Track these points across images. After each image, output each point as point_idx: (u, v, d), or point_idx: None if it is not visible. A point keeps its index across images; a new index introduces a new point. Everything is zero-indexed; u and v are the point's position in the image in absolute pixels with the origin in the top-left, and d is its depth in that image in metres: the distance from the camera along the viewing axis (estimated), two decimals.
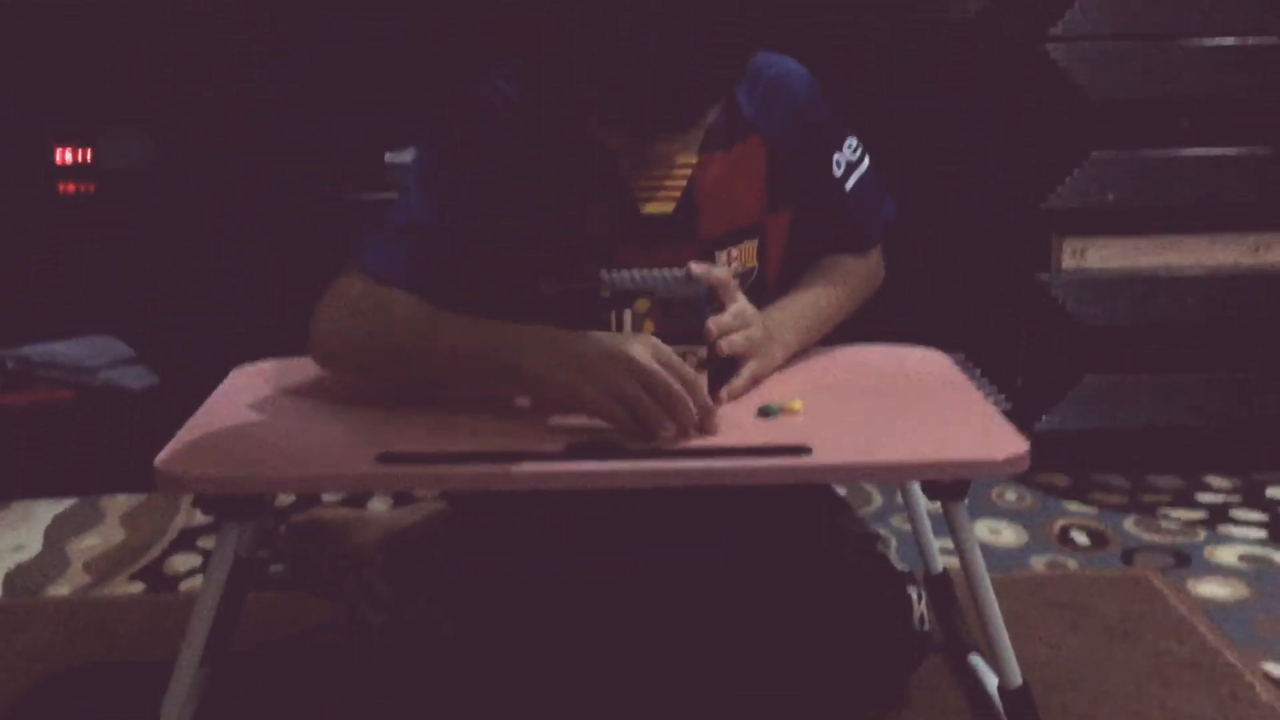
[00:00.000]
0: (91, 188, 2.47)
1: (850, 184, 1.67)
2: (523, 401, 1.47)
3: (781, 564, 1.61)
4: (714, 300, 1.48)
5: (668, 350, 1.38)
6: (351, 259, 1.55)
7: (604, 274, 1.46)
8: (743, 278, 1.60)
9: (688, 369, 1.39)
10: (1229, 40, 2.41)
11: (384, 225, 1.56)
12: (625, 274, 1.47)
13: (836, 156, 1.66)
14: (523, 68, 1.56)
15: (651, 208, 1.57)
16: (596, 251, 1.55)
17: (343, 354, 1.53)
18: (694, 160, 1.56)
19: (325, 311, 1.53)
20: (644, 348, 1.37)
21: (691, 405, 1.37)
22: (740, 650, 1.58)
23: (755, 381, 1.53)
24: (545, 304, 1.48)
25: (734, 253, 1.60)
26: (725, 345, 1.48)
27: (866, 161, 1.69)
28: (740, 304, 1.51)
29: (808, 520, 1.67)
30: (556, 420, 1.43)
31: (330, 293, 1.54)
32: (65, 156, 2.45)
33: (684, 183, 1.57)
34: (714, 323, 1.47)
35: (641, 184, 1.57)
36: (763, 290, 1.63)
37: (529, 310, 1.46)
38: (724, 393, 1.49)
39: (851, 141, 1.68)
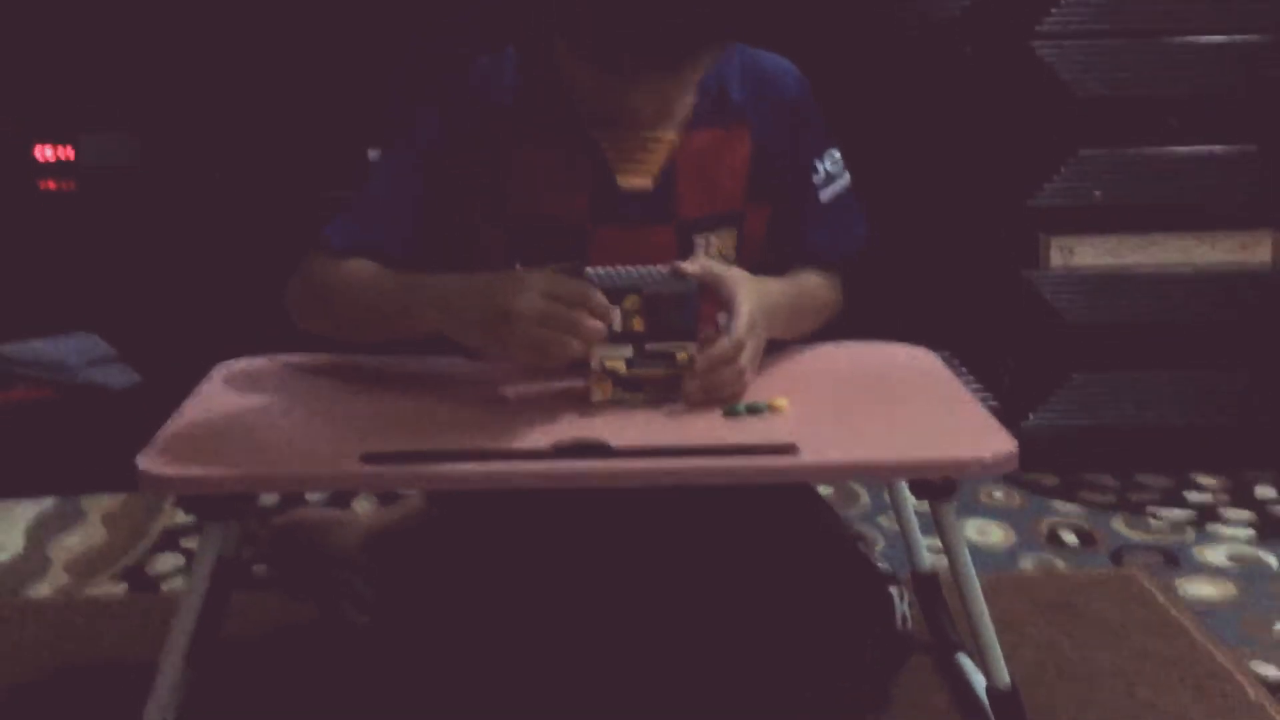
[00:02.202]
0: (73, 185, 2.45)
1: (826, 195, 1.66)
2: (510, 391, 1.47)
3: (762, 564, 1.60)
4: (706, 295, 1.47)
5: (550, 283, 1.39)
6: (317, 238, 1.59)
7: (591, 271, 1.45)
8: None
9: (573, 287, 1.39)
10: (1216, 38, 2.41)
11: (347, 201, 1.60)
12: (613, 270, 1.46)
13: (818, 164, 1.65)
14: (516, 44, 1.56)
15: (630, 181, 1.55)
16: (575, 231, 1.55)
17: (305, 319, 1.59)
18: (672, 135, 1.55)
19: (291, 283, 1.59)
20: (528, 295, 1.38)
21: (590, 320, 1.39)
22: (721, 650, 1.57)
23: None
24: None
25: (712, 239, 1.59)
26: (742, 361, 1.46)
27: (846, 177, 1.68)
28: (749, 313, 1.47)
29: (789, 520, 1.66)
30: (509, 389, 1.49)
31: (295, 272, 1.59)
32: (46, 154, 2.43)
33: (661, 156, 1.55)
34: (729, 341, 1.45)
35: (617, 154, 1.55)
36: None
37: None
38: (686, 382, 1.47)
39: (834, 153, 1.67)
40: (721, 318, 1.49)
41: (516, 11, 1.51)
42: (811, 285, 1.65)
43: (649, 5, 1.35)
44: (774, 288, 1.56)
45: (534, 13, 1.46)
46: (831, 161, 1.66)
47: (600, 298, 1.40)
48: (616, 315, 1.44)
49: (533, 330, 1.37)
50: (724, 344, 1.45)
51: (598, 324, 1.39)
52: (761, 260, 1.64)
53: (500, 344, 1.40)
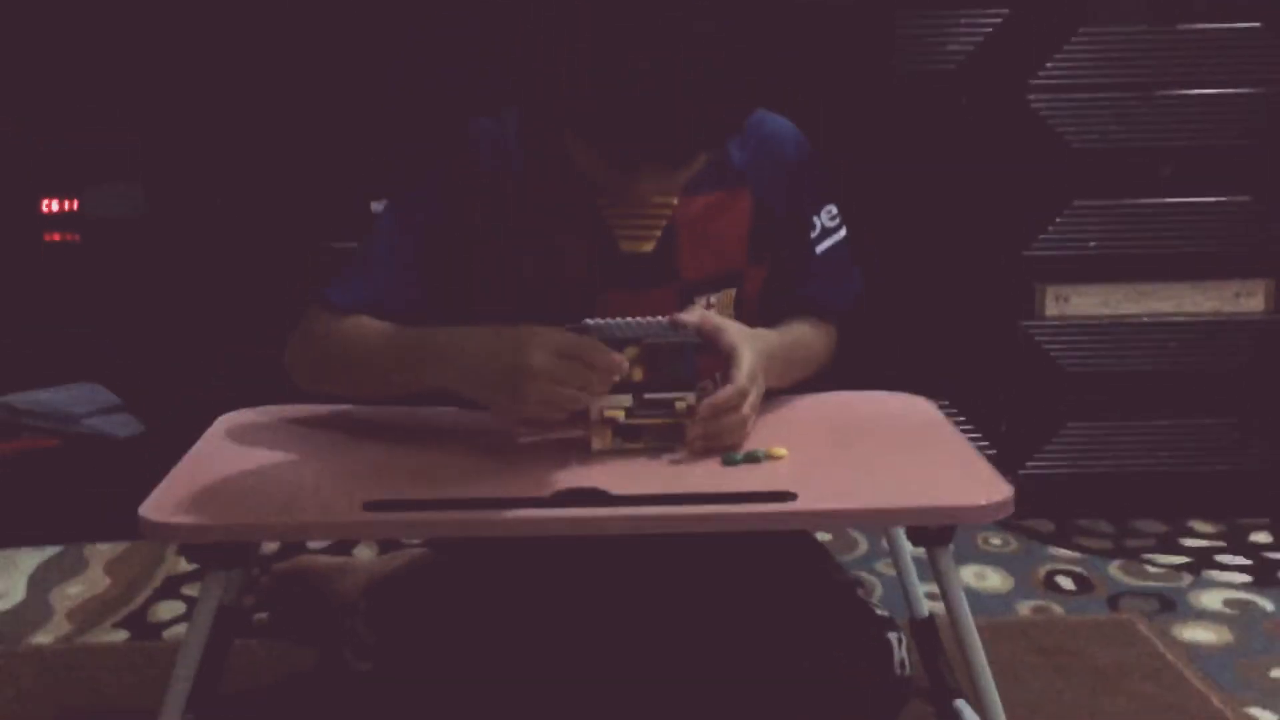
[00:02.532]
0: (77, 237, 2.47)
1: (822, 248, 1.68)
2: (525, 439, 1.49)
3: (762, 610, 1.61)
4: (703, 346, 1.49)
5: (562, 340, 1.41)
6: (318, 296, 1.60)
7: (590, 322, 1.47)
8: None
9: (586, 344, 1.41)
10: (1208, 91, 2.43)
11: (348, 259, 1.61)
12: (613, 322, 1.47)
13: (815, 218, 1.68)
14: (519, 107, 1.58)
15: (630, 246, 1.58)
16: (578, 293, 1.56)
17: (307, 378, 1.60)
18: (674, 200, 1.58)
19: (291, 341, 1.61)
20: (542, 353, 1.39)
21: (598, 377, 1.41)
22: (721, 695, 1.58)
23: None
24: None
25: (713, 299, 1.61)
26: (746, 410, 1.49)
27: (843, 232, 1.70)
28: (750, 366, 1.50)
29: (788, 566, 1.67)
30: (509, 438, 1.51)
31: (295, 330, 1.61)
32: (51, 207, 2.45)
33: (664, 221, 1.58)
34: (734, 388, 1.47)
35: (620, 222, 1.58)
36: None
37: None
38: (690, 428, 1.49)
39: (832, 208, 1.69)
40: (715, 378, 1.51)
41: (521, 84, 1.52)
42: (803, 336, 1.67)
43: (664, 111, 1.37)
44: (769, 338, 1.58)
45: (541, 96, 1.47)
46: (829, 216, 1.69)
47: (610, 354, 1.42)
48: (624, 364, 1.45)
49: (546, 388, 1.39)
50: (729, 390, 1.47)
51: (608, 380, 1.42)
52: (756, 314, 1.66)
53: (513, 400, 1.41)
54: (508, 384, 1.41)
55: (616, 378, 1.43)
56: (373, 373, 1.55)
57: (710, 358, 1.50)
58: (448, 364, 1.47)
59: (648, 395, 1.48)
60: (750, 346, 1.51)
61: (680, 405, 1.48)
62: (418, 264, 1.58)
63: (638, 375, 1.47)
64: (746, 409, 1.48)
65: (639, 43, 1.35)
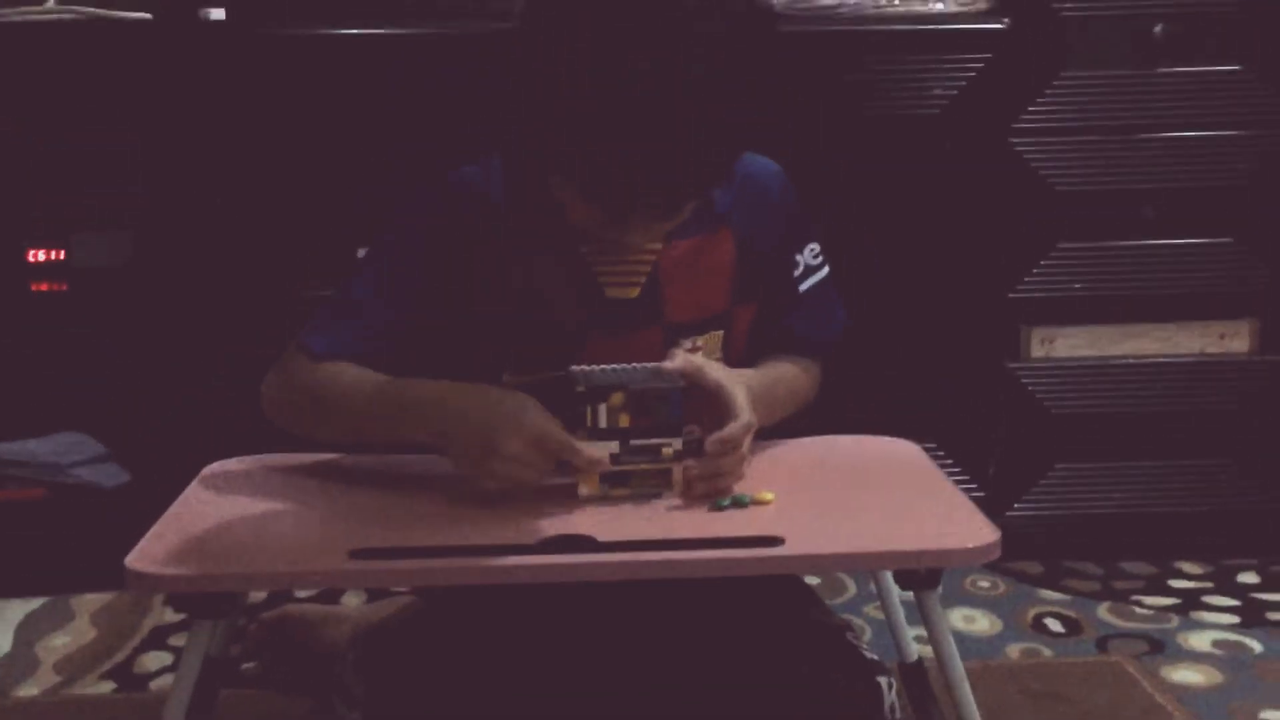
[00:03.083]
0: (64, 286, 2.47)
1: (805, 286, 1.69)
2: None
3: (751, 655, 1.61)
4: (688, 391, 1.49)
5: (543, 430, 1.43)
6: (296, 339, 1.60)
7: (577, 369, 1.47)
8: None
9: (562, 441, 1.44)
10: (1191, 133, 2.45)
11: (326, 305, 1.61)
12: (598, 369, 1.48)
13: (798, 257, 1.68)
14: (503, 153, 1.59)
15: (617, 292, 1.59)
16: (564, 339, 1.57)
17: (284, 423, 1.60)
18: (659, 246, 1.58)
19: (267, 385, 1.61)
20: (518, 441, 1.42)
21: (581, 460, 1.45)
22: None
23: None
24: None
25: (699, 341, 1.62)
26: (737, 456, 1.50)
27: (825, 270, 1.71)
28: (745, 399, 1.51)
29: (778, 611, 1.66)
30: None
31: (274, 368, 1.61)
32: (38, 256, 2.45)
33: (648, 267, 1.59)
34: (739, 425, 1.48)
35: (606, 269, 1.58)
36: None
37: None
38: (690, 466, 1.49)
39: (814, 246, 1.70)
40: (696, 429, 1.51)
41: (513, 134, 1.52)
42: (785, 374, 1.67)
43: (661, 164, 1.37)
44: (751, 377, 1.59)
45: (535, 146, 1.47)
46: (811, 254, 1.69)
47: (585, 453, 1.45)
48: (603, 412, 1.46)
49: (511, 469, 1.44)
50: (735, 426, 1.48)
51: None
52: (741, 355, 1.67)
53: (475, 472, 1.46)
54: (475, 456, 1.45)
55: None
56: (351, 422, 1.56)
57: (694, 402, 1.51)
58: (426, 421, 1.49)
59: (634, 441, 1.48)
60: (738, 384, 1.52)
61: (667, 451, 1.48)
62: (399, 313, 1.58)
63: (624, 421, 1.47)
64: (745, 447, 1.49)
65: (637, 93, 1.35)
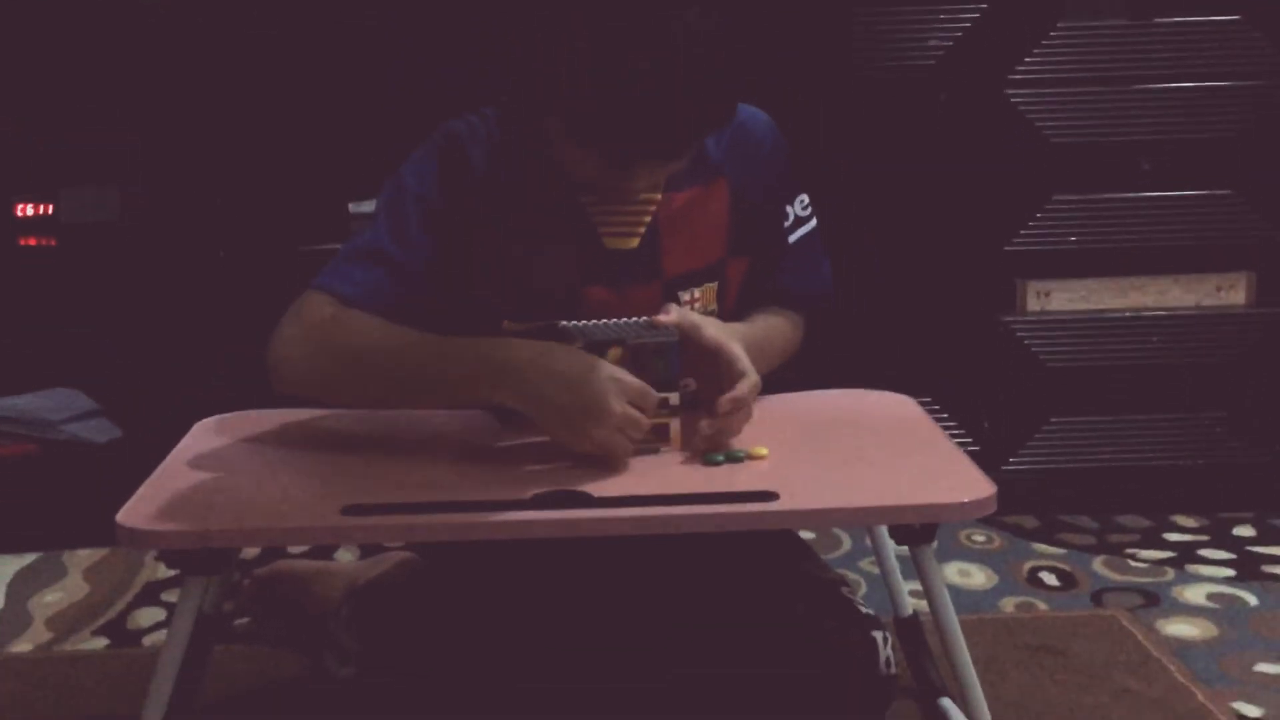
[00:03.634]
0: (53, 241, 2.45)
1: (794, 237, 1.68)
2: (491, 443, 1.48)
3: (746, 609, 1.61)
4: (690, 348, 1.48)
5: (632, 387, 1.42)
6: (313, 285, 1.54)
7: (571, 324, 1.46)
8: None
9: (651, 398, 1.43)
10: (1187, 84, 2.43)
11: (348, 251, 1.56)
12: (593, 323, 1.47)
13: (788, 208, 1.68)
14: (503, 104, 1.57)
15: (615, 243, 1.58)
16: (563, 289, 1.56)
17: (308, 378, 1.50)
18: (657, 197, 1.57)
19: (287, 337, 1.51)
20: (620, 401, 1.41)
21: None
22: (706, 695, 1.57)
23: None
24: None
25: (696, 294, 1.61)
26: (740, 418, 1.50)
27: (814, 222, 1.70)
28: (747, 358, 1.50)
29: (772, 566, 1.66)
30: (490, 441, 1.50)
31: (290, 318, 1.51)
32: (26, 211, 2.43)
33: (647, 218, 1.58)
34: (747, 384, 1.48)
35: (605, 219, 1.57)
36: None
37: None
38: (703, 425, 1.48)
39: (804, 198, 1.69)
40: (691, 382, 1.51)
41: (513, 84, 1.51)
42: (774, 327, 1.67)
43: (664, 108, 1.37)
44: (742, 331, 1.58)
45: (528, 92, 1.46)
46: (801, 205, 1.69)
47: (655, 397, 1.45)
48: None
49: (613, 436, 1.42)
50: (744, 387, 1.48)
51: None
52: (733, 307, 1.66)
53: (575, 435, 1.43)
54: (577, 419, 1.41)
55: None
56: (398, 382, 1.50)
57: (688, 356, 1.49)
58: (514, 387, 1.44)
59: None
60: (735, 340, 1.51)
61: (673, 403, 1.47)
62: (429, 260, 1.54)
63: None
64: (751, 403, 1.49)
65: (636, 41, 1.35)
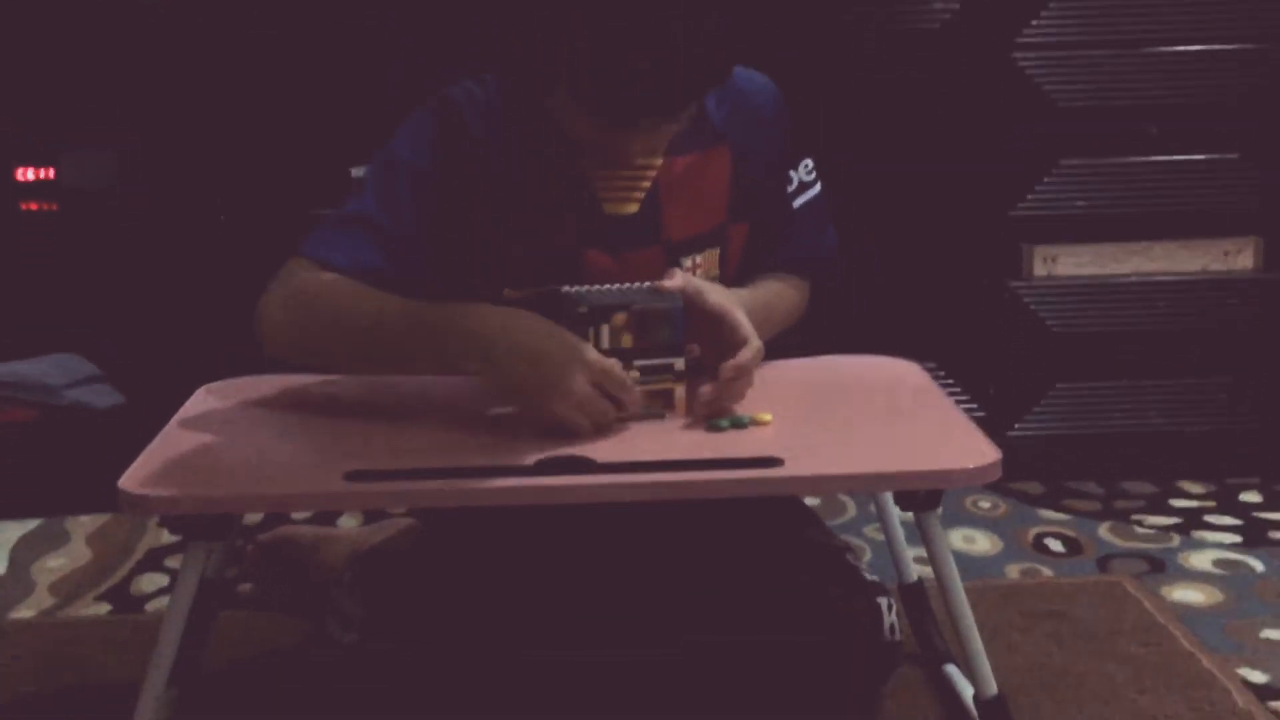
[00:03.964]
0: (54, 206, 2.44)
1: (799, 203, 1.67)
2: (498, 411, 1.47)
3: (751, 576, 1.60)
4: (694, 313, 1.47)
5: (602, 366, 1.41)
6: (298, 251, 1.54)
7: (574, 290, 1.45)
8: None
9: (619, 378, 1.42)
10: (1196, 47, 2.42)
11: (335, 218, 1.56)
12: (596, 289, 1.46)
13: (791, 173, 1.66)
14: (499, 68, 1.56)
15: (615, 208, 1.57)
16: (562, 255, 1.55)
17: (291, 342, 1.52)
18: (658, 162, 1.56)
19: (272, 300, 1.52)
20: (583, 379, 1.40)
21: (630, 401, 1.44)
22: (710, 661, 1.57)
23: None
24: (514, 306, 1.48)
25: (698, 259, 1.60)
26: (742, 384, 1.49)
27: (818, 187, 1.69)
28: (750, 325, 1.49)
29: (777, 532, 1.66)
30: (496, 410, 1.47)
31: (276, 283, 1.53)
32: (27, 175, 2.42)
33: (648, 183, 1.56)
34: (751, 350, 1.47)
35: (605, 184, 1.56)
36: None
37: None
38: (704, 391, 1.48)
39: (808, 163, 1.68)
40: (695, 348, 1.50)
41: (502, 43, 1.50)
42: (778, 293, 1.66)
43: (656, 60, 1.35)
44: (745, 297, 1.57)
45: (526, 54, 1.45)
46: (805, 170, 1.68)
47: (633, 390, 1.44)
48: (605, 333, 1.44)
49: (570, 413, 1.41)
50: (747, 353, 1.47)
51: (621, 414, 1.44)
52: (735, 273, 1.65)
53: (535, 410, 1.42)
54: (536, 396, 1.41)
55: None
56: (371, 346, 1.49)
57: (691, 321, 1.49)
58: (479, 359, 1.43)
59: (637, 362, 1.46)
60: (739, 306, 1.50)
61: (670, 372, 1.46)
62: (417, 227, 1.54)
63: (627, 341, 1.46)
64: (754, 370, 1.48)
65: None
